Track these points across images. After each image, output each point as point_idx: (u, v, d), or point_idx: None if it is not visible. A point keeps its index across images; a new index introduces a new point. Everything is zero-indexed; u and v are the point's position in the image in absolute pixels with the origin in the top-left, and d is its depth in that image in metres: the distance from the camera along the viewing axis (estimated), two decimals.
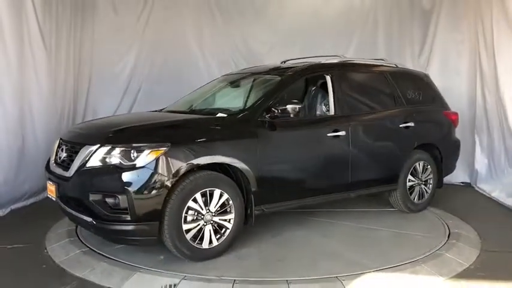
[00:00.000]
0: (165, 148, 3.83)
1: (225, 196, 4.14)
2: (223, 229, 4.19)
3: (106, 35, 7.57)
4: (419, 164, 5.79)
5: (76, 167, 3.97)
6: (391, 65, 6.11)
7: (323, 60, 5.47)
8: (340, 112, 5.11)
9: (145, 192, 3.76)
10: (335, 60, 5.52)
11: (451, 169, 6.41)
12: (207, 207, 4.05)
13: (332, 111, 5.11)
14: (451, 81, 7.56)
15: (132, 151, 3.80)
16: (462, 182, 7.71)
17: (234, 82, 5.86)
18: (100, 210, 3.82)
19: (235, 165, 4.23)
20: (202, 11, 8.06)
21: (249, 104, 4.92)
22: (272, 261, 4.19)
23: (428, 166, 5.89)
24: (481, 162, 7.41)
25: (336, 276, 3.86)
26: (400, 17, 8.09)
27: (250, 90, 5.51)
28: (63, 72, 6.73)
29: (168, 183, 3.82)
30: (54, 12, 6.44)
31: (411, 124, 5.63)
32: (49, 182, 4.38)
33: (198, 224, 4.02)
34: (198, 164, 4.03)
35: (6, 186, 5.56)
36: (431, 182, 5.95)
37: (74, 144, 4.23)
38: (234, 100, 5.63)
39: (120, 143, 3.89)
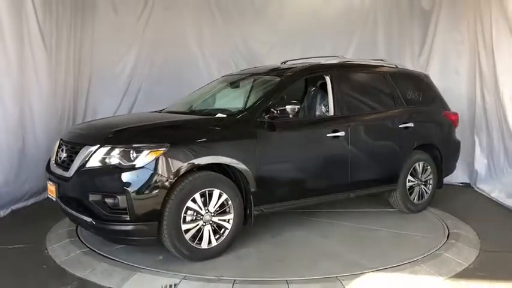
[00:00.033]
0: (164, 148, 3.85)
1: (224, 196, 4.15)
2: (223, 229, 4.20)
3: (106, 35, 7.58)
4: (419, 165, 5.79)
5: (76, 167, 3.99)
6: (390, 66, 6.11)
7: (322, 61, 5.48)
8: (340, 112, 5.11)
9: (145, 192, 3.78)
10: (334, 61, 5.53)
11: (451, 169, 6.41)
12: (206, 208, 4.06)
13: (331, 112, 5.11)
14: (450, 82, 7.56)
15: (131, 151, 3.82)
16: (462, 183, 7.71)
17: (233, 83, 5.86)
18: (99, 210, 3.83)
19: (234, 165, 4.24)
20: (202, 11, 8.07)
21: (248, 104, 4.93)
22: (271, 262, 4.20)
23: (428, 166, 5.89)
24: (480, 163, 7.41)
25: (336, 276, 3.86)
26: (400, 17, 8.10)
27: (249, 91, 5.52)
28: (63, 72, 6.74)
29: (167, 184, 3.84)
30: (55, 13, 6.45)
31: (411, 124, 5.63)
32: (49, 182, 4.40)
33: (197, 224, 4.03)
34: (197, 164, 4.04)
35: (6, 187, 5.57)
36: (431, 182, 5.95)
37: (74, 144, 4.25)
38: (233, 101, 5.64)
39: (119, 143, 3.90)
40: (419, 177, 5.82)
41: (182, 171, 3.93)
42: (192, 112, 5.31)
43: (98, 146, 3.91)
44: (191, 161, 3.98)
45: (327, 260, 4.23)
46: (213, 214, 4.11)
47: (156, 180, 3.79)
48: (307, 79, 5.66)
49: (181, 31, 7.99)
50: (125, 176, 3.76)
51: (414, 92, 6.01)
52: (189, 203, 3.97)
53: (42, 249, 4.49)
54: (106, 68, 7.64)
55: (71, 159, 4.14)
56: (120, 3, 7.69)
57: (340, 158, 5.05)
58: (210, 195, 4.08)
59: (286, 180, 4.69)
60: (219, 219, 4.15)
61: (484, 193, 7.06)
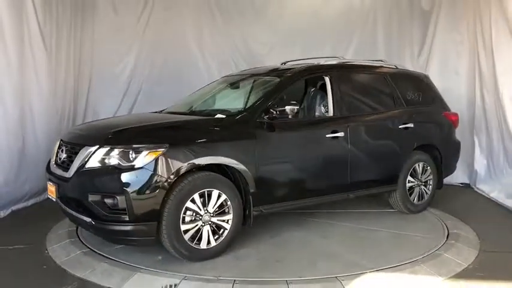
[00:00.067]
0: (163, 149, 3.86)
1: (223, 197, 4.16)
2: (222, 230, 4.21)
3: (106, 36, 7.58)
4: (418, 165, 5.79)
5: (75, 167, 4.00)
6: (390, 66, 6.11)
7: (322, 62, 5.49)
8: (339, 113, 5.11)
9: (144, 192, 3.78)
10: (334, 62, 5.53)
11: (451, 170, 6.41)
12: (205, 208, 4.07)
13: (331, 112, 5.12)
14: (450, 82, 7.55)
15: (130, 152, 3.83)
16: (461, 183, 7.70)
17: (234, 83, 5.87)
18: (99, 210, 3.84)
19: (233, 166, 4.24)
20: (202, 12, 8.07)
21: (248, 105, 4.94)
22: (270, 262, 4.20)
23: (428, 167, 5.89)
24: (480, 163, 7.41)
25: (336, 277, 3.87)
26: (400, 17, 8.10)
27: (249, 92, 5.52)
28: (63, 72, 6.74)
29: (166, 184, 3.85)
30: (55, 13, 6.45)
31: (410, 125, 5.63)
32: (49, 182, 4.41)
33: (196, 225, 4.04)
34: (197, 165, 4.05)
35: (6, 187, 5.57)
36: (431, 183, 5.95)
37: (73, 145, 4.26)
38: (233, 101, 5.64)
39: (118, 144, 3.91)
40: (419, 177, 5.82)
41: (181, 171, 3.94)
42: (192, 113, 5.31)
43: (98, 146, 3.92)
44: (190, 162, 3.99)
45: (326, 261, 4.23)
46: (212, 214, 4.11)
47: (155, 181, 3.80)
48: (307, 80, 5.67)
49: (181, 31, 8.00)
50: (124, 177, 3.77)
51: (414, 92, 6.00)
52: (188, 204, 3.98)
53: (43, 249, 4.50)
54: (106, 68, 7.65)
55: (70, 159, 4.16)
56: (120, 4, 7.70)
57: (339, 158, 5.06)
58: (209, 195, 4.09)
59: (286, 181, 4.69)
60: (218, 220, 4.16)
61: (483, 193, 7.06)
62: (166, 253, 4.11)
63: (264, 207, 4.48)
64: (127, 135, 4.11)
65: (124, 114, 7.32)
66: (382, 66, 6.02)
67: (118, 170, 3.81)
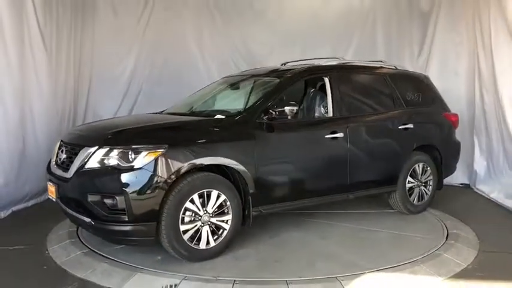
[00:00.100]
0: (162, 150, 3.87)
1: (223, 197, 4.17)
2: (221, 230, 4.22)
3: (106, 37, 7.60)
4: (418, 166, 5.79)
5: (75, 168, 4.02)
6: (390, 67, 6.11)
7: (322, 63, 5.49)
8: (339, 114, 5.12)
9: (143, 193, 3.79)
10: (334, 63, 5.54)
11: (451, 171, 6.41)
12: (204, 208, 4.08)
13: (330, 113, 5.12)
14: (449, 83, 7.55)
15: (129, 152, 3.84)
16: (461, 183, 7.70)
17: (234, 84, 5.88)
18: (98, 211, 3.86)
19: (233, 166, 4.25)
20: (202, 13, 8.09)
21: (247, 106, 4.96)
22: (270, 262, 4.21)
23: (428, 168, 5.88)
24: (480, 164, 7.41)
25: (336, 277, 3.87)
26: (399, 18, 8.10)
27: (249, 92, 5.53)
28: (63, 73, 6.75)
29: (166, 185, 3.86)
30: (55, 14, 6.46)
31: (410, 126, 5.63)
32: (49, 183, 4.43)
33: (196, 225, 4.05)
34: (198, 165, 4.06)
35: (7, 188, 5.58)
36: (431, 183, 5.95)
37: (73, 145, 4.27)
38: (233, 102, 5.66)
39: (118, 144, 3.92)
40: (419, 178, 5.81)
41: (180, 172, 3.95)
42: (192, 113, 5.32)
43: (97, 147, 3.94)
44: (189, 162, 4.00)
45: (325, 261, 4.23)
46: (211, 215, 4.12)
47: (154, 181, 3.81)
48: (307, 80, 5.68)
49: (181, 32, 8.01)
50: (124, 177, 3.78)
51: (414, 93, 6.01)
52: (188, 204, 3.99)
53: (43, 250, 4.50)
54: (106, 69, 7.66)
55: (70, 160, 4.17)
56: (120, 5, 7.71)
57: (338, 159, 5.06)
58: (209, 196, 4.10)
59: (285, 181, 4.70)
60: (217, 220, 4.17)
61: (483, 194, 7.06)
62: (166, 253, 4.12)
63: (263, 207, 4.49)
64: (126, 136, 4.13)
65: (124, 115, 7.34)
66: (381, 67, 6.02)
67: (117, 170, 3.82)
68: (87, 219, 3.93)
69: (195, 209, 4.03)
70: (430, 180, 5.94)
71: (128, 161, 3.82)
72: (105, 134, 4.16)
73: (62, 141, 4.55)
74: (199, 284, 3.75)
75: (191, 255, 4.07)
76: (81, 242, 4.64)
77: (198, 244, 4.07)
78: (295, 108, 4.56)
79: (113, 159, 3.86)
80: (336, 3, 8.27)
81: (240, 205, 4.31)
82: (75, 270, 4.01)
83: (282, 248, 4.60)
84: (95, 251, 4.38)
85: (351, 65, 5.77)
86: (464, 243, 4.81)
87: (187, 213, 4.00)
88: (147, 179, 3.79)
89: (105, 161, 3.88)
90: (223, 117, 4.62)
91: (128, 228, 3.84)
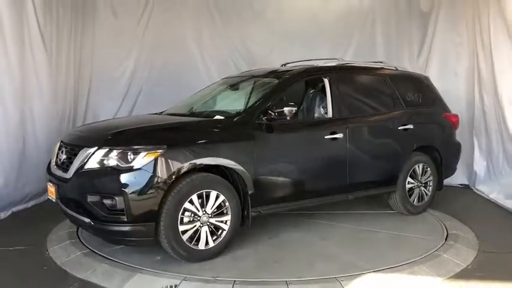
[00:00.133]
0: (161, 150, 3.88)
1: (222, 198, 4.17)
2: (220, 230, 4.22)
3: (106, 38, 7.61)
4: (418, 166, 5.78)
5: (75, 168, 4.03)
6: (390, 68, 6.11)
7: (321, 63, 5.50)
8: (338, 114, 5.12)
9: (142, 193, 3.80)
10: (333, 63, 5.55)
11: (451, 171, 6.40)
12: (203, 209, 4.08)
13: (330, 114, 5.12)
14: (449, 83, 7.54)
15: (128, 153, 3.85)
16: (461, 184, 7.70)
17: (233, 85, 5.88)
18: (98, 211, 3.87)
19: (232, 167, 4.26)
20: (202, 13, 8.09)
21: (247, 106, 4.96)
22: (269, 263, 4.21)
23: (428, 168, 5.88)
24: (479, 164, 7.40)
25: (335, 277, 3.88)
26: (399, 18, 8.10)
27: (248, 93, 5.53)
28: (63, 74, 6.76)
29: (165, 185, 3.87)
30: (55, 15, 6.47)
31: (410, 126, 5.63)
32: (49, 183, 4.44)
33: (195, 225, 4.06)
34: (198, 165, 4.08)
35: (7, 189, 5.58)
36: (431, 184, 5.94)
37: (73, 146, 4.29)
38: (233, 103, 5.65)
39: (117, 145, 3.93)
40: (419, 179, 5.81)
41: (180, 172, 3.95)
42: (192, 114, 5.32)
43: (96, 147, 3.95)
44: (189, 163, 4.01)
45: (324, 262, 4.23)
46: (210, 215, 4.13)
47: (153, 182, 3.82)
48: (307, 81, 5.68)
49: (181, 33, 8.01)
50: (123, 178, 3.79)
51: (414, 94, 6.01)
52: (187, 205, 3.99)
53: (43, 250, 4.51)
54: (106, 70, 7.67)
55: (70, 161, 4.18)
56: (120, 7, 7.72)
57: (338, 159, 5.06)
58: (208, 196, 4.10)
59: (284, 182, 4.70)
60: (216, 221, 4.18)
61: (483, 194, 7.05)
62: (165, 254, 4.12)
63: (263, 208, 4.49)
64: (125, 137, 4.14)
65: (124, 116, 7.35)
66: (381, 68, 6.02)
67: (116, 171, 3.83)
68: (87, 220, 3.94)
69: (194, 210, 4.04)
70: (430, 181, 5.93)
71: (127, 162, 3.83)
72: (104, 135, 4.17)
73: (62, 142, 4.56)
74: (199, 284, 3.75)
75: (190, 255, 4.07)
76: (81, 242, 4.64)
77: (197, 244, 4.08)
78: (294, 109, 4.56)
79: (112, 159, 3.87)
80: (335, 3, 8.28)
81: (239, 206, 4.32)
82: (76, 270, 4.02)
83: (281, 248, 4.60)
84: (95, 252, 4.38)
85: (351, 66, 5.78)
86: (463, 244, 4.81)
87: (186, 213, 4.00)
88: (146, 179, 3.80)
89: (105, 162, 3.89)
90: (222, 118, 4.62)
91: (127, 228, 3.85)
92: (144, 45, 7.88)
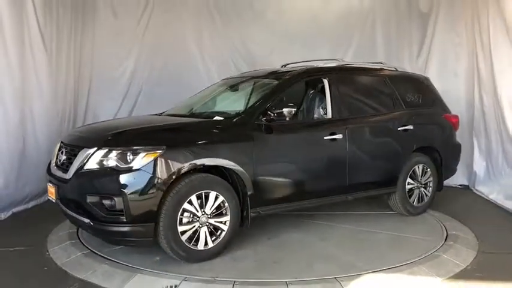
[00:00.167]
0: (160, 151, 3.88)
1: (221, 198, 4.18)
2: (219, 231, 4.22)
3: (106, 39, 7.62)
4: (418, 167, 5.78)
5: (74, 169, 4.04)
6: (390, 69, 6.11)
7: (321, 64, 5.50)
8: (338, 115, 5.13)
9: (141, 194, 3.81)
10: (333, 64, 5.56)
11: (451, 172, 6.41)
12: (202, 210, 4.09)
13: (329, 115, 5.13)
14: (449, 84, 7.54)
15: (128, 154, 3.86)
16: (460, 185, 7.70)
17: (233, 86, 5.88)
18: (97, 211, 3.88)
19: (231, 167, 4.27)
20: (202, 14, 8.10)
21: (246, 107, 4.96)
22: (268, 263, 4.22)
23: (428, 169, 5.88)
24: (479, 165, 7.40)
25: (335, 278, 3.88)
26: (398, 19, 8.11)
27: (248, 94, 5.53)
28: (63, 75, 6.77)
29: (164, 186, 3.87)
30: (55, 15, 6.48)
31: (410, 127, 5.63)
32: (49, 184, 4.45)
33: (194, 226, 4.06)
34: (196, 166, 4.08)
35: (7, 189, 5.58)
36: (431, 185, 5.94)
37: (73, 147, 4.30)
38: (233, 103, 5.65)
39: (116, 145, 3.94)
40: (419, 179, 5.81)
41: (179, 173, 3.96)
42: (192, 115, 5.32)
43: (96, 148, 3.96)
44: (189, 163, 4.01)
45: (324, 263, 4.24)
46: (209, 216, 4.13)
47: (152, 182, 3.83)
48: (307, 82, 5.68)
49: (181, 34, 8.02)
50: (122, 178, 3.80)
51: (414, 94, 6.01)
52: (186, 205, 4.00)
53: (43, 251, 4.51)
54: (106, 71, 7.68)
55: (70, 161, 4.19)
56: (120, 7, 7.73)
57: (337, 160, 5.06)
58: (207, 197, 4.11)
59: (283, 183, 4.71)
60: (215, 221, 4.18)
61: (482, 195, 7.05)
62: (165, 254, 4.13)
63: (262, 208, 4.50)
64: (125, 137, 4.14)
65: (124, 117, 7.35)
66: (381, 69, 6.01)
67: (116, 171, 3.84)
68: (86, 220, 3.95)
69: (193, 210, 4.04)
70: (430, 181, 5.93)
71: (126, 162, 3.84)
72: (104, 136, 4.17)
73: (62, 142, 4.57)
74: (200, 285, 3.76)
75: (189, 256, 4.08)
76: (82, 243, 4.65)
77: (196, 245, 4.08)
78: (293, 109, 4.56)
79: (112, 160, 3.88)
80: (335, 3, 8.28)
81: (238, 206, 4.32)
82: (76, 271, 4.02)
83: (281, 249, 4.60)
84: (95, 252, 4.39)
85: (350, 67, 5.80)
86: (463, 244, 4.82)
87: (186, 214, 4.01)
88: (145, 180, 3.81)
89: (104, 162, 3.90)
90: (221, 118, 4.63)
91: (126, 229, 3.86)
92: (144, 46, 7.88)
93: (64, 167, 4.26)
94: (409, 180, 5.70)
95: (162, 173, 3.87)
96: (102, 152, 3.92)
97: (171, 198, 3.91)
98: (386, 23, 8.15)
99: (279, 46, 8.02)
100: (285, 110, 4.49)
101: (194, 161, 4.05)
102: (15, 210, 5.74)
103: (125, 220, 3.81)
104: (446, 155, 6.11)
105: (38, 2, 5.99)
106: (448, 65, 7.80)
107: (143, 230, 3.86)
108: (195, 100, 5.82)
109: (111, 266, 4.10)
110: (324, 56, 6.08)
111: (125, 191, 3.77)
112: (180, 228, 3.98)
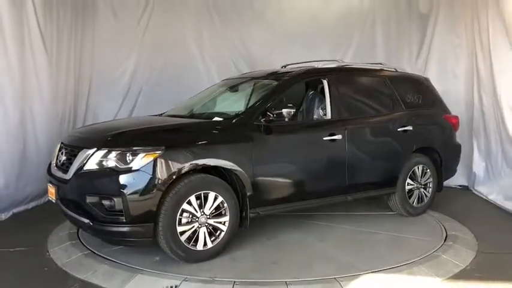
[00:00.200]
0: (159, 151, 3.89)
1: (220, 199, 4.19)
2: (218, 231, 4.23)
3: (106, 39, 7.61)
4: (418, 168, 5.78)
5: (74, 169, 4.06)
6: (390, 69, 6.11)
7: (321, 65, 5.51)
8: (337, 116, 5.13)
9: (140, 194, 3.82)
10: (333, 65, 5.57)
11: (451, 173, 6.40)
12: (201, 210, 4.10)
13: (329, 115, 5.13)
14: (448, 84, 7.54)
15: (127, 154, 3.87)
16: (460, 185, 7.69)
17: (233, 86, 5.89)
18: (97, 212, 3.89)
19: (230, 168, 4.27)
20: (202, 14, 8.10)
21: (245, 108, 4.97)
22: (267, 264, 4.22)
23: (428, 170, 5.88)
24: (478, 165, 7.40)
25: (335, 278, 3.89)
26: (398, 19, 8.11)
27: (248, 95, 5.53)
28: (63, 75, 6.77)
29: (163, 186, 3.88)
30: (55, 16, 6.48)
31: (409, 128, 5.64)
32: (49, 184, 4.46)
33: (193, 226, 4.07)
34: (200, 165, 4.10)
35: (7, 190, 5.59)
36: (430, 185, 5.94)
37: (73, 147, 4.31)
38: (233, 104, 5.67)
39: (116, 146, 3.96)
40: (419, 180, 5.81)
41: (178, 174, 3.97)
42: (191, 116, 5.33)
43: (95, 149, 3.97)
44: (189, 163, 4.03)
45: (323, 263, 4.24)
46: (208, 216, 4.14)
47: (151, 183, 3.84)
48: (306, 83, 5.69)
49: (181, 34, 8.02)
50: (121, 179, 3.81)
51: (414, 95, 6.01)
52: (185, 205, 4.01)
53: (44, 251, 4.52)
54: (106, 71, 7.68)
55: (70, 162, 4.20)
56: (120, 7, 7.73)
57: (337, 161, 5.06)
58: (206, 197, 4.12)
59: (283, 183, 4.71)
60: (214, 222, 4.19)
61: (482, 195, 7.05)
62: (164, 254, 4.14)
63: (261, 209, 4.50)
64: (124, 138, 4.16)
65: (124, 118, 7.35)
66: (381, 70, 6.01)
67: (115, 172, 3.85)
68: (86, 221, 3.96)
69: (192, 211, 4.05)
70: (429, 182, 5.93)
71: (126, 163, 3.85)
72: (104, 136, 4.19)
73: (62, 143, 4.59)
74: (200, 285, 3.77)
75: (188, 256, 4.09)
76: (82, 243, 4.66)
77: (195, 245, 4.09)
78: (293, 110, 4.57)
79: (111, 160, 3.89)
80: (335, 4, 8.28)
81: (237, 207, 4.33)
82: (76, 271, 4.03)
83: (280, 249, 4.61)
84: (95, 253, 4.40)
85: (350, 68, 5.80)
86: (462, 245, 4.82)
87: (185, 214, 4.02)
88: (145, 180, 3.82)
89: (104, 163, 3.91)
90: (221, 119, 4.64)
91: (125, 229, 3.87)
92: (144, 46, 7.88)
93: (64, 167, 4.28)
94: (408, 180, 5.70)
95: (161, 174, 3.88)
96: (101, 152, 3.93)
97: (171, 199, 3.93)
98: (386, 23, 8.15)
99: (279, 46, 8.01)
100: (284, 111, 4.50)
101: (195, 161, 4.06)
102: (15, 210, 5.75)
103: (124, 220, 3.82)
104: (446, 155, 6.11)
105: (38, 3, 5.99)
106: (447, 65, 7.80)
107: (142, 230, 3.87)
108: (195, 101, 5.83)
109: (112, 266, 4.11)
110: (324, 56, 6.10)
111: (124, 191, 3.78)
112: (179, 229, 3.99)
